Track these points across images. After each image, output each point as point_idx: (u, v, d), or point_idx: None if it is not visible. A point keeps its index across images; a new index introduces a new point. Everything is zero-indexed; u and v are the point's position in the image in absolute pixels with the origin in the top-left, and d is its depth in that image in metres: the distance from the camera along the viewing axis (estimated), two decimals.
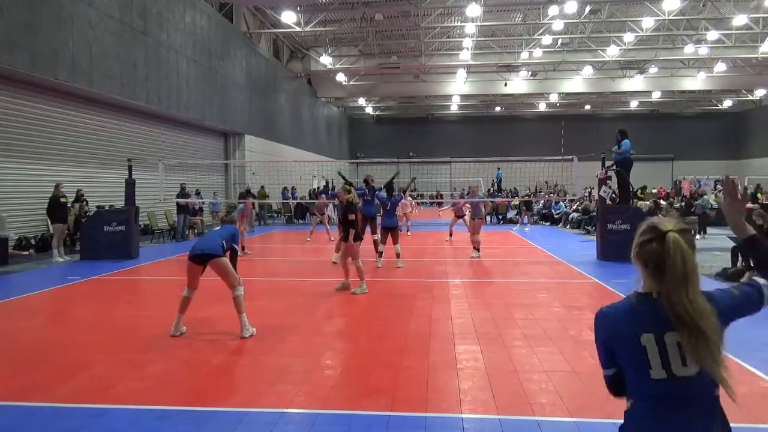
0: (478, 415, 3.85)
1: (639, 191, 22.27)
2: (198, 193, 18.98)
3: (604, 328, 1.84)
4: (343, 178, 12.41)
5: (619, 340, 1.76)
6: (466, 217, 14.99)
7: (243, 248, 13.08)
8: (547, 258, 12.14)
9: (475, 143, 42.30)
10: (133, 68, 15.53)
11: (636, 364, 1.70)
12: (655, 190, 28.07)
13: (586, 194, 22.18)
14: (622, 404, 1.78)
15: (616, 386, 1.83)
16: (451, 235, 15.50)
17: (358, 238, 8.14)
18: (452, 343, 5.53)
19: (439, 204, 26.01)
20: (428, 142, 43.86)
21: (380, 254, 10.77)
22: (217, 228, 6.23)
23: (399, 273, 10.05)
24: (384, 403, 4.02)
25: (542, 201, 23.54)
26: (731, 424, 1.70)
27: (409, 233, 17.26)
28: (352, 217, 8.06)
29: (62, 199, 12.15)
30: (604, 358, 1.86)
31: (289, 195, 24.65)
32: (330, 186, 26.75)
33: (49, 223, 12.26)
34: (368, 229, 11.16)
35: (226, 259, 5.87)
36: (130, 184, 12.88)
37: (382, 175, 11.81)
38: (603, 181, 12.06)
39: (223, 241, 5.91)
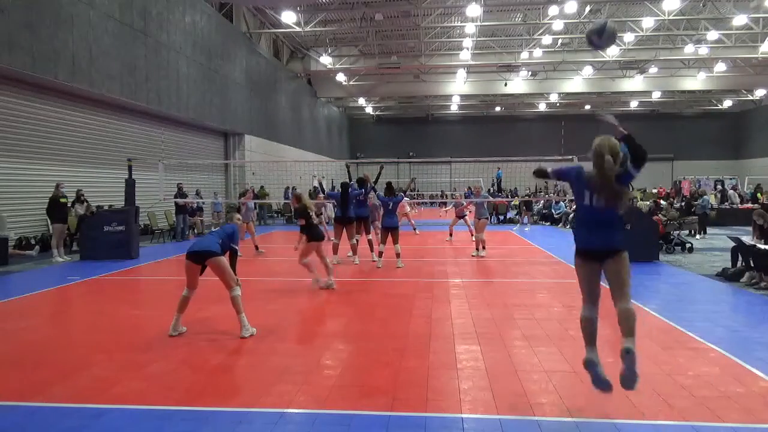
0: (478, 415, 3.85)
1: (639, 193, 22.28)
2: (198, 193, 18.99)
3: (572, 174, 3.99)
4: (349, 172, 12.43)
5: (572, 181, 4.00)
6: (467, 218, 15.19)
7: (257, 247, 13.25)
8: (547, 258, 12.14)
9: (475, 143, 42.32)
10: (133, 68, 15.53)
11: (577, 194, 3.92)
12: (655, 191, 28.07)
13: None
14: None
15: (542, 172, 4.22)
16: (451, 234, 15.54)
17: (315, 238, 8.26)
18: (452, 343, 5.53)
19: (443, 204, 25.97)
20: (428, 142, 43.87)
21: (380, 254, 10.77)
22: (217, 228, 6.21)
23: (399, 273, 10.05)
24: (384, 403, 4.02)
25: (542, 201, 23.54)
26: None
27: (417, 232, 17.41)
28: (302, 222, 8.31)
29: (62, 200, 12.14)
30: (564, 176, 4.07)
31: (291, 195, 24.65)
32: (329, 186, 26.62)
33: (49, 223, 12.26)
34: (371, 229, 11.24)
35: (224, 259, 5.86)
36: (130, 184, 12.88)
37: (383, 174, 11.79)
38: None
39: (221, 240, 5.89)
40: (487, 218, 12.53)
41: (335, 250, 11.12)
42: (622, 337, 3.66)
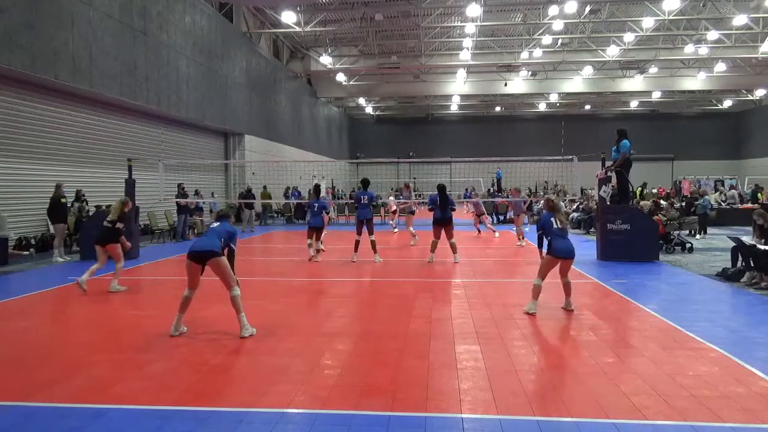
0: (478, 415, 3.85)
1: (639, 189, 22.25)
2: (197, 193, 18.99)
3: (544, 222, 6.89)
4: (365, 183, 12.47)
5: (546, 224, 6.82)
6: (484, 217, 17.18)
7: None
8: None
9: (475, 143, 42.33)
10: (133, 68, 15.53)
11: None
12: (655, 190, 28.06)
13: (591, 194, 22.13)
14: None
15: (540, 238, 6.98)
16: (479, 232, 16.89)
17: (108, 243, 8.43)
18: (452, 343, 5.53)
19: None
20: (428, 142, 43.87)
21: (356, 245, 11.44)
22: (216, 225, 6.14)
23: (399, 273, 10.04)
24: (384, 403, 4.02)
25: (542, 201, 23.49)
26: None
27: (395, 231, 17.94)
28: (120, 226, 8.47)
29: (62, 200, 12.18)
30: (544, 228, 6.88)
31: (291, 195, 24.64)
32: (329, 186, 26.66)
33: (49, 223, 12.26)
34: (365, 230, 11.40)
35: (225, 259, 5.84)
36: (130, 184, 12.88)
37: (383, 175, 11.90)
38: (603, 181, 12.06)
39: (222, 240, 5.87)
40: (524, 212, 15.57)
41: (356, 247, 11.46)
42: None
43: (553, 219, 6.83)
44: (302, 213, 24.25)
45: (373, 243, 11.32)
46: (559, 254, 6.75)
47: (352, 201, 15.44)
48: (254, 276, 9.74)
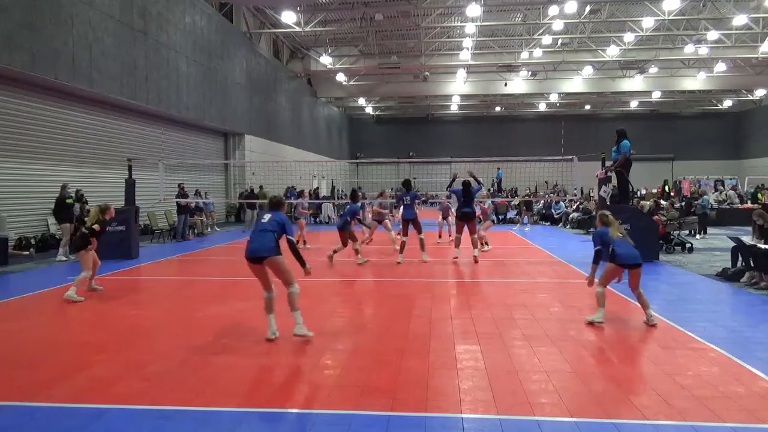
0: (478, 415, 3.85)
1: (638, 191, 22.24)
2: (197, 193, 18.96)
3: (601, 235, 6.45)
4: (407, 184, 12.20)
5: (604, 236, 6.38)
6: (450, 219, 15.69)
7: (304, 242, 13.58)
8: (547, 258, 12.14)
9: (475, 143, 42.32)
10: (133, 68, 15.53)
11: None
12: (655, 191, 28.07)
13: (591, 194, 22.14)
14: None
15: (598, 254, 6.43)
16: (440, 236, 15.70)
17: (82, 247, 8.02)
18: (452, 343, 5.53)
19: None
20: (428, 142, 43.87)
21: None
22: (266, 217, 5.75)
23: (399, 273, 10.04)
24: (384, 403, 4.02)
25: (542, 201, 23.54)
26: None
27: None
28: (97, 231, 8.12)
29: (68, 200, 12.24)
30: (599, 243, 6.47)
31: (290, 195, 24.62)
32: (329, 186, 26.55)
33: (49, 222, 12.27)
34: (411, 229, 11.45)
35: (281, 258, 5.59)
36: (130, 184, 12.88)
37: (383, 174, 11.91)
38: (603, 181, 12.06)
39: (276, 236, 5.62)
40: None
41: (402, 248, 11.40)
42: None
43: (608, 231, 6.36)
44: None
45: (421, 241, 11.37)
46: (625, 261, 6.19)
47: (394, 200, 15.65)
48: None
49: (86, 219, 8.72)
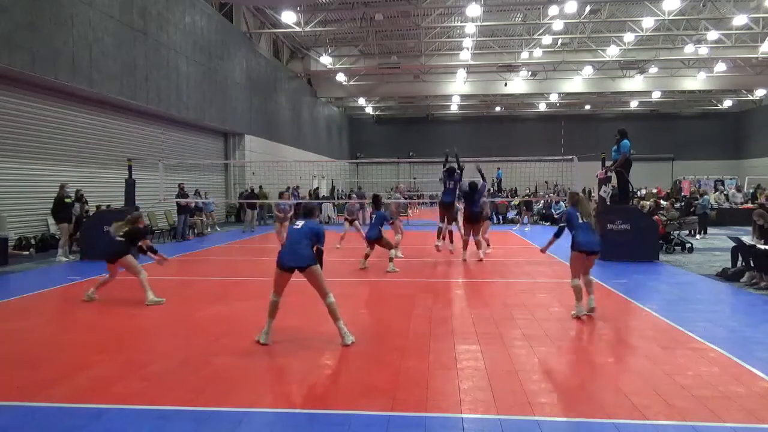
0: (478, 415, 3.85)
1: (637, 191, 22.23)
2: (197, 193, 18.97)
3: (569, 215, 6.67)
4: (447, 160, 12.56)
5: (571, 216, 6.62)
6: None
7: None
8: (547, 258, 12.10)
9: (475, 143, 42.23)
10: (133, 68, 15.53)
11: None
12: (654, 190, 28.07)
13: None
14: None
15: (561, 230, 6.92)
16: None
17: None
18: (452, 343, 5.53)
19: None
20: (428, 142, 43.79)
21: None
22: (299, 224, 5.67)
23: (399, 273, 10.03)
24: (384, 403, 4.02)
25: (542, 201, 23.53)
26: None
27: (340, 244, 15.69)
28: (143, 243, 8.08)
29: (67, 200, 12.23)
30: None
31: (290, 195, 24.62)
32: (329, 186, 26.29)
33: (49, 222, 12.27)
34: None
35: (318, 269, 5.55)
36: (130, 184, 12.88)
37: (383, 174, 11.88)
38: (603, 181, 12.06)
39: (312, 245, 5.57)
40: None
41: (465, 246, 11.55)
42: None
43: (578, 213, 6.59)
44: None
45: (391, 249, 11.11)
46: (583, 248, 6.48)
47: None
48: (255, 276, 9.74)
49: (86, 219, 8.67)
